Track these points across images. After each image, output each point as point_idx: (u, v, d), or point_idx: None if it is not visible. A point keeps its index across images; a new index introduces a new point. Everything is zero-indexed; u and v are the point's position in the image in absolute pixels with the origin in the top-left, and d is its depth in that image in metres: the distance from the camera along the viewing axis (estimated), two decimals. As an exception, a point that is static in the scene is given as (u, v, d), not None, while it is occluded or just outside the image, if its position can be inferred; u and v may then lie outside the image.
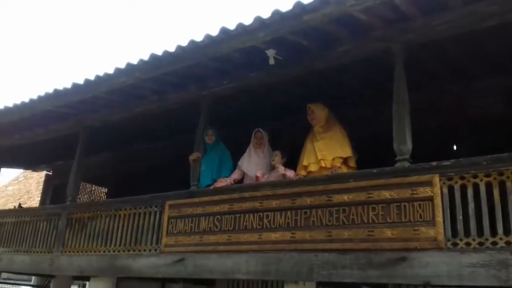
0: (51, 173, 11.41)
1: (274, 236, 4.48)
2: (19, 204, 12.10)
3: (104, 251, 5.87)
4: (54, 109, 6.55)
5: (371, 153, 4.88)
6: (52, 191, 11.27)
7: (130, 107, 6.36)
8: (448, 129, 5.72)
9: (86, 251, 6.08)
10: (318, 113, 4.92)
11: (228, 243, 4.77)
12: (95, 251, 5.98)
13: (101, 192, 11.07)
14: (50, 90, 6.21)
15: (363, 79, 5.44)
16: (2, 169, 10.00)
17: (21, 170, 16.71)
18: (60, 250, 6.41)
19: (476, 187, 3.62)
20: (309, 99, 5.15)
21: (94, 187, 11.34)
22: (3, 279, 17.97)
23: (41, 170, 12.04)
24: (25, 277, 13.75)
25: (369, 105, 6.04)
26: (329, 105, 5.07)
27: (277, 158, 5.10)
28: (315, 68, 4.97)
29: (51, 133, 7.55)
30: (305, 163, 4.80)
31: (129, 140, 8.32)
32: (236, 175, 5.30)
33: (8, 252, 7.13)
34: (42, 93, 6.34)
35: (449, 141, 5.85)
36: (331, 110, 5.06)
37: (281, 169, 4.97)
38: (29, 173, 16.76)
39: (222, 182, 5.13)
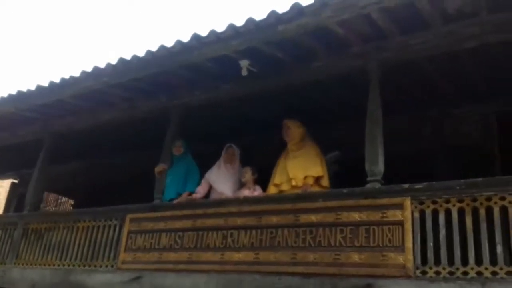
0: (17, 181, 10.92)
1: (237, 256, 4.22)
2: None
3: (59, 265, 5.52)
4: (18, 112, 6.22)
5: (342, 176, 4.68)
6: (17, 201, 10.73)
7: (98, 114, 6.08)
8: (424, 154, 5.57)
9: (40, 264, 5.70)
10: (294, 130, 4.72)
11: (188, 262, 4.49)
12: (49, 265, 5.62)
13: (68, 203, 10.63)
14: (14, 92, 5.89)
15: (339, 97, 5.27)
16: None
17: (-11, 178, 16.11)
18: (14, 261, 6.00)
19: (448, 213, 3.43)
20: (283, 115, 4.96)
21: (61, 198, 10.92)
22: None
23: (7, 178, 11.53)
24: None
25: (342, 125, 5.92)
26: (305, 123, 4.88)
27: (248, 175, 4.88)
28: (290, 83, 4.78)
29: (16, 138, 7.18)
30: (277, 181, 4.58)
31: (97, 150, 8.00)
32: (203, 189, 5.02)
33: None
34: (5, 95, 6.01)
35: (425, 166, 5.67)
36: (306, 129, 4.87)
37: (249, 190, 4.75)
38: (-2, 181, 16.16)
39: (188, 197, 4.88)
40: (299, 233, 3.96)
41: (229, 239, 4.32)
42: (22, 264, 5.87)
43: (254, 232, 4.21)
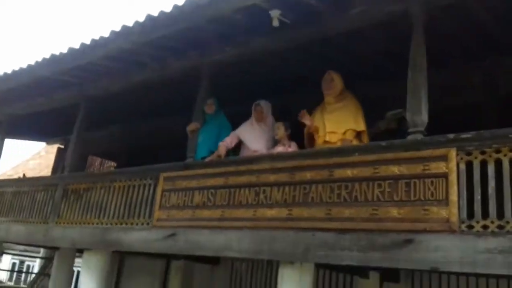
0: (63, 147, 11.20)
1: (269, 213, 4.07)
2: (23, 175, 11.95)
3: (97, 224, 5.58)
4: (52, 76, 6.22)
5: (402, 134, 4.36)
6: (63, 165, 11.09)
7: (131, 75, 5.97)
8: (473, 109, 5.15)
9: (80, 223, 5.80)
10: (337, 82, 4.44)
11: (221, 219, 4.39)
12: (88, 223, 5.70)
13: (110, 166, 10.83)
14: (48, 55, 5.86)
15: (380, 48, 4.89)
16: (22, 141, 9.78)
17: (43, 145, 16.58)
18: (55, 221, 6.14)
19: (498, 164, 3.10)
20: (320, 70, 4.66)
21: (105, 161, 11.13)
22: (20, 251, 18.13)
23: (54, 143, 11.85)
24: (36, 249, 13.75)
25: (385, 81, 5.55)
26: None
27: (281, 131, 4.66)
28: (326, 33, 4.46)
29: (54, 103, 7.24)
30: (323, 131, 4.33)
31: (134, 114, 7.99)
32: (230, 139, 4.87)
33: (6, 221, 6.90)
34: (39, 59, 6.00)
35: (474, 120, 5.23)
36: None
37: (284, 146, 4.54)
38: (50, 147, 16.66)
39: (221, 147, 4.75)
40: (334, 189, 3.75)
41: (261, 196, 4.17)
42: (63, 223, 6.00)
43: (287, 188, 4.04)
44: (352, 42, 4.79)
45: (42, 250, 11.36)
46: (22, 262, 20.84)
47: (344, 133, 4.24)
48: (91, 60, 5.53)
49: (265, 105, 4.91)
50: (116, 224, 5.33)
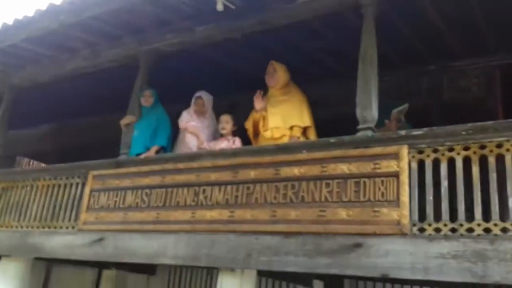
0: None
1: (209, 214, 3.73)
2: None
3: (17, 227, 5.02)
4: (-29, 61, 5.54)
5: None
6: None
7: (60, 63, 5.46)
8: (420, 111, 5.09)
9: (-3, 226, 5.17)
10: (281, 73, 4.16)
11: (156, 222, 4.00)
12: (6, 227, 5.11)
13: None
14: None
15: (328, 44, 4.70)
16: None
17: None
18: (-32, 224, 5.44)
19: (451, 163, 2.94)
20: (265, 66, 4.38)
21: (33, 162, 10.33)
22: None
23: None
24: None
25: (333, 81, 5.40)
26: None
27: (229, 125, 4.31)
28: (272, 24, 4.20)
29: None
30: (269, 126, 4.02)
31: (65, 109, 7.36)
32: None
33: None
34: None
35: (421, 123, 5.20)
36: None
37: (228, 141, 4.22)
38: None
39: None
40: (280, 188, 3.47)
41: (201, 196, 3.83)
42: (-22, 227, 5.33)
43: (229, 188, 3.72)
44: (298, 35, 4.56)
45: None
46: None
47: (291, 128, 3.97)
48: (14, 42, 4.96)
49: (206, 98, 4.57)
50: (37, 227, 4.81)
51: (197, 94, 4.58)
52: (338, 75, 5.27)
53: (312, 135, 4.04)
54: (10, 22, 4.84)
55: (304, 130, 4.02)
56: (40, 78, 5.80)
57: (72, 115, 7.93)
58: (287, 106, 4.01)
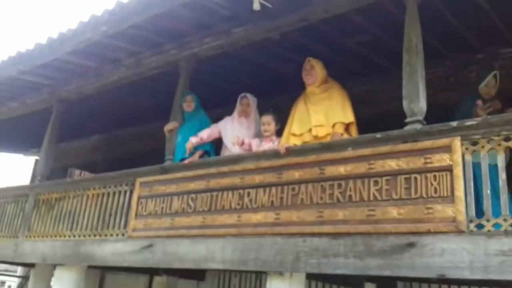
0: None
1: (255, 217, 3.74)
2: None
3: (70, 236, 5.23)
4: (20, 76, 5.86)
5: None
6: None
7: (105, 74, 5.67)
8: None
9: (51, 236, 5.44)
10: (318, 69, 4.10)
11: (202, 227, 4.06)
12: (60, 236, 5.34)
13: (91, 178, 10.47)
14: (13, 53, 5.51)
15: (371, 38, 4.60)
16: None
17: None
18: (26, 234, 5.77)
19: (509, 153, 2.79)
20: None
21: (83, 173, 10.76)
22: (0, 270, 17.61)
23: (32, 154, 11.45)
24: (12, 267, 13.25)
25: (376, 73, 5.30)
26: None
27: (271, 126, 4.26)
28: (311, 21, 4.17)
29: (26, 107, 6.89)
30: (295, 131, 3.99)
31: (112, 119, 7.64)
32: (207, 134, 4.55)
33: (-26, 237, 6.48)
34: (5, 57, 5.65)
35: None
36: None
37: (272, 143, 4.20)
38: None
39: (190, 144, 4.46)
40: (326, 188, 3.43)
41: (246, 199, 3.85)
42: (34, 237, 5.64)
43: (274, 190, 3.72)
44: (339, 31, 4.49)
45: (19, 268, 10.90)
46: (3, 283, 20.28)
47: (333, 126, 3.90)
48: (60, 56, 5.19)
49: (251, 98, 4.58)
50: (89, 236, 4.99)
51: (242, 94, 4.60)
52: (383, 70, 5.17)
53: (354, 132, 3.94)
54: (54, 36, 5.08)
55: (346, 127, 3.93)
56: (86, 90, 6.05)
57: (119, 126, 8.24)
58: (328, 103, 3.94)
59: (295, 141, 3.94)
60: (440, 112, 4.88)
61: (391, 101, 5.07)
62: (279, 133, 4.34)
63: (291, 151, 3.78)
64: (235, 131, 4.44)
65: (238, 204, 3.89)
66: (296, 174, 3.63)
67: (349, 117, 3.89)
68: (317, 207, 3.42)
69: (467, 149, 2.92)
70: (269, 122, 4.27)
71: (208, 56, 4.87)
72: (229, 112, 4.83)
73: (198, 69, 5.03)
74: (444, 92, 5.09)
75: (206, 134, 4.54)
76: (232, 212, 3.90)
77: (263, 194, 3.77)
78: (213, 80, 5.61)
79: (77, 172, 10.88)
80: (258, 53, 4.97)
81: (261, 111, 4.82)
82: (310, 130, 3.92)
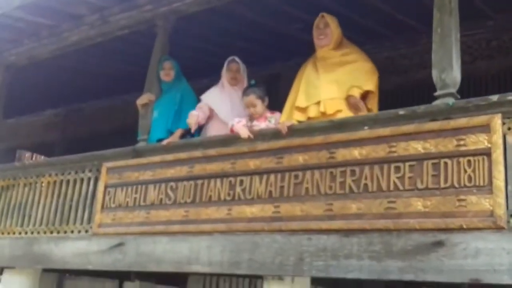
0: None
1: (249, 211, 3.79)
2: None
3: (20, 233, 5.31)
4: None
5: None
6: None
7: (62, 34, 5.65)
8: None
9: (-2, 233, 5.48)
10: (334, 28, 4.07)
11: (184, 222, 4.11)
12: (8, 233, 5.43)
13: (45, 163, 10.47)
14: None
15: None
16: None
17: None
18: (-33, 231, 5.77)
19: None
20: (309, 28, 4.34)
21: (36, 156, 10.78)
22: None
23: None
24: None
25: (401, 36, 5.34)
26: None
27: (258, 107, 4.21)
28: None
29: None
30: (300, 103, 3.98)
31: (72, 90, 7.62)
32: (203, 113, 4.51)
33: None
34: None
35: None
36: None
37: (266, 121, 4.22)
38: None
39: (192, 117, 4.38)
40: (336, 176, 3.46)
41: (238, 189, 3.90)
42: (-25, 234, 5.65)
43: (272, 177, 3.76)
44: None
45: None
46: None
47: (348, 94, 3.90)
48: (5, 11, 5.16)
49: (241, 63, 4.59)
50: (44, 232, 5.05)
51: (230, 58, 4.60)
52: (410, 31, 5.21)
53: (374, 106, 3.97)
54: (1, -13, 5.04)
55: (364, 97, 3.94)
56: (40, 53, 6.04)
57: (80, 98, 8.25)
58: (345, 70, 3.93)
59: (300, 117, 3.97)
60: (479, 84, 4.99)
61: (420, 69, 5.19)
62: (273, 106, 4.36)
63: (294, 130, 3.81)
64: (229, 102, 4.43)
65: (229, 194, 3.93)
66: (300, 159, 3.65)
67: (370, 84, 3.90)
68: (326, 199, 3.46)
69: (509, 128, 2.95)
70: (252, 103, 4.21)
71: (192, 12, 4.87)
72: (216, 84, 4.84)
73: (179, 28, 5.02)
74: (484, 59, 5.15)
75: (203, 113, 4.50)
76: (221, 204, 3.94)
77: (259, 182, 3.80)
78: (198, 43, 5.61)
79: (27, 155, 10.92)
80: (254, 9, 4.98)
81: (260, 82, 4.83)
82: (318, 103, 3.93)
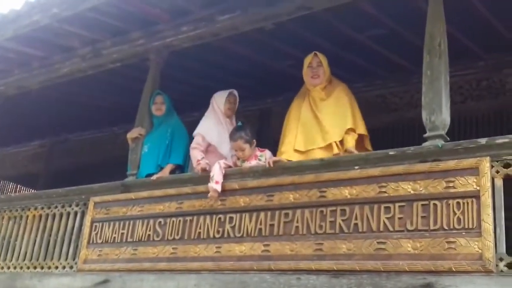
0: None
1: (238, 249, 3.85)
2: None
3: (2, 268, 5.33)
4: None
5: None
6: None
7: (54, 66, 5.74)
8: (503, 115, 5.09)
9: (-21, 267, 5.45)
10: (326, 67, 4.18)
11: (172, 259, 4.17)
12: None
13: (29, 195, 10.42)
14: None
15: (387, 32, 4.74)
16: None
17: None
18: None
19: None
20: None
21: (21, 188, 10.74)
22: None
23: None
24: None
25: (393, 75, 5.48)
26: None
27: (246, 150, 4.20)
28: (313, 9, 4.30)
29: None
30: (299, 146, 4.02)
31: (60, 122, 7.66)
32: (200, 146, 4.50)
33: None
34: None
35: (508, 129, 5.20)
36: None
37: (256, 160, 4.28)
38: None
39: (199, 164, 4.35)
40: (326, 215, 3.54)
41: (227, 226, 3.96)
42: (-44, 268, 5.62)
43: (262, 215, 3.83)
44: (348, 23, 4.64)
45: None
46: None
47: (343, 139, 3.98)
48: (-3, 42, 5.25)
49: (237, 96, 4.70)
50: (28, 268, 5.08)
51: (229, 90, 4.68)
52: (401, 70, 5.34)
53: (368, 145, 4.07)
54: (-7, 18, 5.14)
55: (358, 140, 4.03)
56: (29, 83, 6.11)
57: (67, 129, 8.29)
58: (336, 110, 4.02)
59: (298, 158, 4.00)
60: (470, 124, 5.11)
61: (411, 108, 5.30)
62: (265, 141, 4.43)
63: (284, 168, 3.89)
64: (227, 137, 4.43)
65: (218, 232, 3.98)
66: (291, 197, 3.73)
67: (361, 127, 3.99)
68: (315, 238, 3.52)
69: (497, 172, 3.05)
70: (241, 147, 4.23)
71: (185, 47, 4.98)
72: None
73: (172, 63, 5.12)
74: (474, 99, 5.29)
75: (201, 146, 4.49)
76: (209, 242, 3.99)
77: (249, 220, 3.86)
78: (190, 77, 5.71)
79: (11, 186, 10.87)
80: (246, 45, 5.09)
81: (250, 117, 4.92)
82: (321, 142, 3.98)
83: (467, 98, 5.36)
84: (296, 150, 4.07)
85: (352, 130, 3.97)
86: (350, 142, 3.94)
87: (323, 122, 4.03)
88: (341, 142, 4.00)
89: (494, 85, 5.26)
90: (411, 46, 4.55)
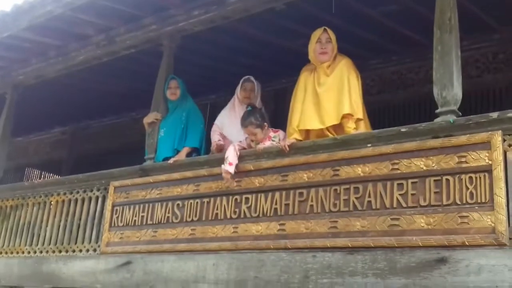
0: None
1: (255, 228, 3.91)
2: None
3: (29, 252, 5.46)
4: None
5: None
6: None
7: (69, 54, 5.81)
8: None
9: (6, 252, 5.66)
10: (334, 43, 4.11)
11: (191, 240, 4.24)
12: (17, 252, 5.57)
13: (53, 181, 10.61)
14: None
15: (399, 10, 4.71)
16: None
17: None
18: (-25, 251, 5.92)
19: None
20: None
21: (44, 174, 10.92)
22: None
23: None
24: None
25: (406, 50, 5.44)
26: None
27: (258, 134, 4.22)
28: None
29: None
30: (304, 125, 4.02)
31: (79, 108, 7.76)
32: (218, 139, 4.61)
33: None
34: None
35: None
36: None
37: (273, 139, 4.30)
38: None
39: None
40: (340, 193, 3.58)
41: (243, 207, 4.01)
42: (-15, 254, 5.80)
43: (277, 195, 3.87)
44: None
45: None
46: None
47: (342, 119, 3.93)
48: (14, 32, 5.32)
49: (256, 82, 4.68)
50: (53, 252, 5.19)
51: (245, 77, 4.69)
52: (416, 45, 5.29)
53: (364, 128, 4.00)
54: (7, 9, 5.22)
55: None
56: (47, 72, 6.20)
57: (87, 116, 8.40)
58: (338, 86, 3.94)
59: (301, 138, 4.02)
60: (487, 97, 5.06)
61: (427, 83, 5.26)
62: (280, 122, 4.44)
63: (298, 148, 3.91)
64: (237, 124, 4.42)
65: (235, 212, 4.04)
66: (305, 176, 3.77)
67: (359, 111, 3.91)
68: (330, 216, 3.56)
69: (510, 145, 3.04)
70: (252, 132, 4.24)
71: (197, 31, 5.00)
72: (223, 100, 4.95)
73: (184, 47, 5.16)
74: (490, 72, 5.23)
75: (218, 138, 4.60)
76: (227, 223, 4.05)
77: (264, 200, 3.91)
78: (203, 61, 5.72)
79: (35, 172, 11.07)
80: (258, 26, 5.09)
81: (265, 97, 4.89)
82: (320, 121, 3.97)
83: (483, 71, 5.30)
84: (300, 130, 4.06)
85: (350, 115, 3.90)
86: (351, 129, 3.88)
87: (323, 103, 3.99)
88: (337, 125, 3.97)
89: (511, 58, 5.19)
90: (425, 21, 4.50)
